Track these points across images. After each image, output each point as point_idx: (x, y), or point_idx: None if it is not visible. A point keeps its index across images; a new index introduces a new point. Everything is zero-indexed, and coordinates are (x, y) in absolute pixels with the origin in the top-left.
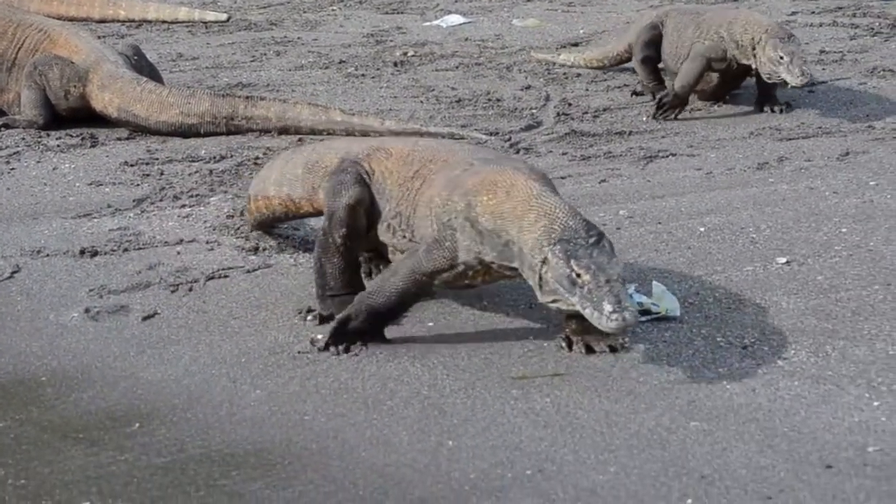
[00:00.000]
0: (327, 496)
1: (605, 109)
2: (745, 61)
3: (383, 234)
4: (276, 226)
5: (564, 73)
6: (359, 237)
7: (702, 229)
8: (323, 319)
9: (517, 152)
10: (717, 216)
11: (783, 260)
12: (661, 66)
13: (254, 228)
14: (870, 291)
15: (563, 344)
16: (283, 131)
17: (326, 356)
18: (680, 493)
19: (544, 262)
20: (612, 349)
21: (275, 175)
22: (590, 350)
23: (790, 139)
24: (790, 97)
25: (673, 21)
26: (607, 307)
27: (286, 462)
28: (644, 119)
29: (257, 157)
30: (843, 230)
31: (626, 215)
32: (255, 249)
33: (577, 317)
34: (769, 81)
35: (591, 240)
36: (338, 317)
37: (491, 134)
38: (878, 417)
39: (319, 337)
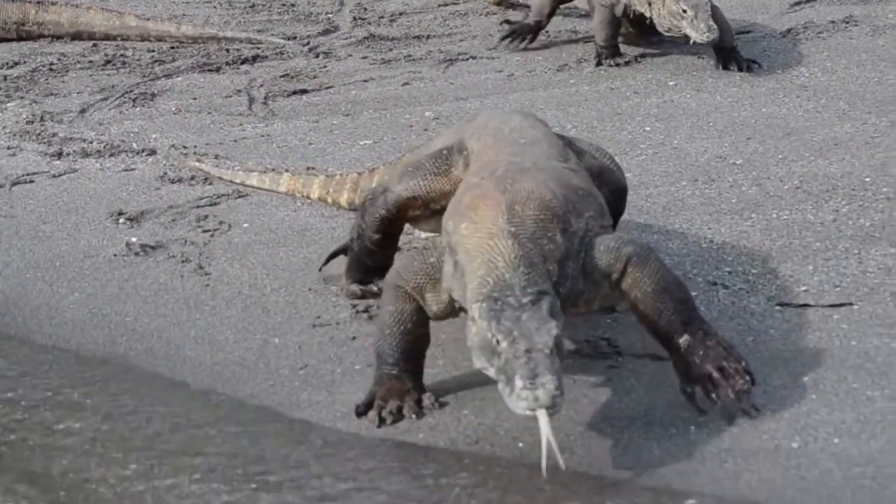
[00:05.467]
0: (162, 391)
1: (401, 14)
2: (639, 8)
3: None
4: None
5: None
6: (397, 230)
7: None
8: (352, 293)
9: (316, 56)
10: None
11: None
12: None
13: None
14: (678, 187)
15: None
16: (77, 37)
17: (141, 258)
18: None
19: (473, 320)
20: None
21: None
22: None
23: (587, 41)
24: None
25: None
26: (518, 382)
27: (112, 362)
28: (439, 23)
29: (52, 64)
30: (647, 129)
31: (432, 117)
32: (59, 154)
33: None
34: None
35: (526, 299)
36: (367, 395)
37: (289, 38)
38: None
39: (134, 240)
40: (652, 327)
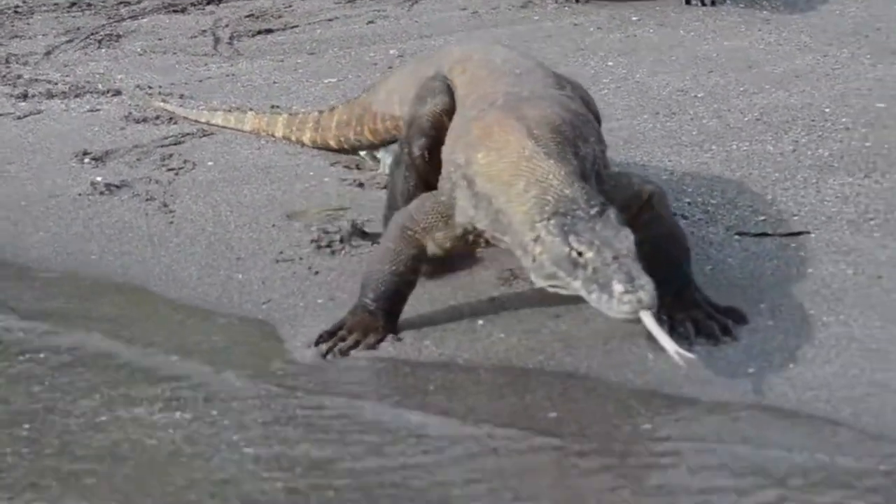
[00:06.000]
0: (125, 326)
1: None
2: None
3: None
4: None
5: None
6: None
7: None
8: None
9: None
10: None
11: None
12: None
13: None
14: (640, 121)
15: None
16: None
17: (106, 197)
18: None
19: (537, 240)
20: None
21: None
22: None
23: None
24: None
25: None
26: (618, 287)
27: (78, 297)
28: None
29: (17, 6)
30: (610, 63)
31: (397, 54)
32: (25, 96)
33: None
34: None
35: (593, 211)
36: (336, 323)
37: None
38: None
39: (99, 179)
40: (650, 265)
